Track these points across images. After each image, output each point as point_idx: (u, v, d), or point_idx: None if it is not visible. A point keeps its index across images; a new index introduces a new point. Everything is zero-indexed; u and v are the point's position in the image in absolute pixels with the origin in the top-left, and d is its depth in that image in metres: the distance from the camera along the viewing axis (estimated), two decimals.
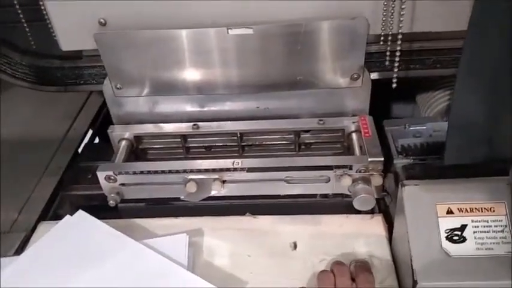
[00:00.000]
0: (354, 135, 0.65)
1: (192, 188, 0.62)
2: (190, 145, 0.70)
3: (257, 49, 0.61)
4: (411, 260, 0.50)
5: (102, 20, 0.61)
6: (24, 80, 0.72)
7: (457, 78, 0.49)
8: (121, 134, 0.68)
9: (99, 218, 0.63)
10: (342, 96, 0.65)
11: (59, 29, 0.62)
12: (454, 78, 0.50)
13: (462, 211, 0.51)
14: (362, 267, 0.54)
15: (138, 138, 0.69)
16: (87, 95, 0.90)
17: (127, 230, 0.61)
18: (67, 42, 0.63)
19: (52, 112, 0.87)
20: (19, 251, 0.62)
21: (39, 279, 0.56)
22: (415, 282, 0.49)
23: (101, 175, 0.62)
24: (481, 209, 0.51)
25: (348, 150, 0.67)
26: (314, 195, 0.68)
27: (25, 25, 0.65)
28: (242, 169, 0.61)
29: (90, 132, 0.86)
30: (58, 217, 0.66)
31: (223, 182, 0.62)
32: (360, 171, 0.60)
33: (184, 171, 0.62)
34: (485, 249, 0.50)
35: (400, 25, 0.58)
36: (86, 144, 0.83)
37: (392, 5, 0.57)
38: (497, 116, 0.50)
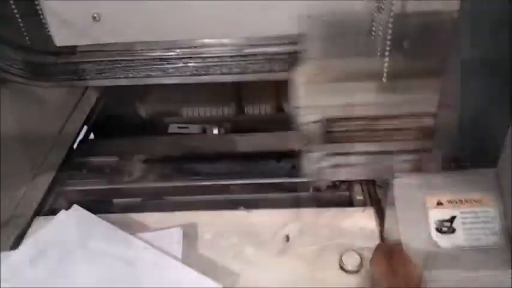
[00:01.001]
0: None
1: None
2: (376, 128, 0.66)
3: None
4: None
5: (95, 15, 0.61)
6: (19, 75, 0.71)
7: (444, 72, 0.50)
8: (310, 117, 0.64)
9: (93, 213, 0.63)
10: None
11: (53, 24, 0.62)
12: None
13: (451, 202, 0.52)
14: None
15: (327, 121, 0.65)
16: (82, 90, 0.90)
17: (121, 225, 0.61)
18: (61, 37, 0.63)
19: (47, 108, 0.87)
20: (15, 246, 0.62)
21: (35, 274, 0.56)
22: None
23: (311, 156, 0.62)
24: (470, 200, 0.52)
25: None
26: (307, 189, 0.69)
27: (19, 20, 0.65)
28: None
29: (85, 128, 0.87)
30: (53, 212, 0.66)
31: None
32: None
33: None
34: (474, 240, 0.51)
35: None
36: (80, 140, 0.84)
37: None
38: (485, 109, 0.50)
